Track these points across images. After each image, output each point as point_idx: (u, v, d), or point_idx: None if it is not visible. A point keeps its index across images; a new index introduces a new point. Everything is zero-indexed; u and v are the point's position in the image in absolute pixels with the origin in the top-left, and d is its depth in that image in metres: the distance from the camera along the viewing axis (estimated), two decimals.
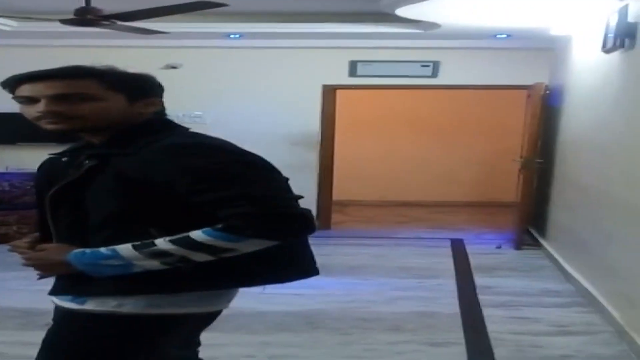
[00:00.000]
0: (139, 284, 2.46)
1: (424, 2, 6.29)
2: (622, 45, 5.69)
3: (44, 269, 2.64)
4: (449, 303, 6.18)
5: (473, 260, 7.98)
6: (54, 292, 2.64)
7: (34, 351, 4.74)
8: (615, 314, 5.32)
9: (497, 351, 4.92)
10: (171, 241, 2.33)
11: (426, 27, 7.84)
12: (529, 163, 8.72)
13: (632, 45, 5.53)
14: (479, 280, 7.03)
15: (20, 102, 2.62)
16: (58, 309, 2.70)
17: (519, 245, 8.70)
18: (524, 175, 8.89)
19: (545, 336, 5.27)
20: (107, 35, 7.40)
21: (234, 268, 2.53)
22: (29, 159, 9.57)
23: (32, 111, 2.56)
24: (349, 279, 7.02)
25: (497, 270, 7.55)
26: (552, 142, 8.64)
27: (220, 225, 2.30)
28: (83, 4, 6.16)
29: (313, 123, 9.65)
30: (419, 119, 12.24)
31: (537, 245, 8.70)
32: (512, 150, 9.63)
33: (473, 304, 6.18)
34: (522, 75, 9.09)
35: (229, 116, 9.25)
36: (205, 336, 3.04)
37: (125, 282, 2.44)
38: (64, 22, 6.33)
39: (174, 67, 9.38)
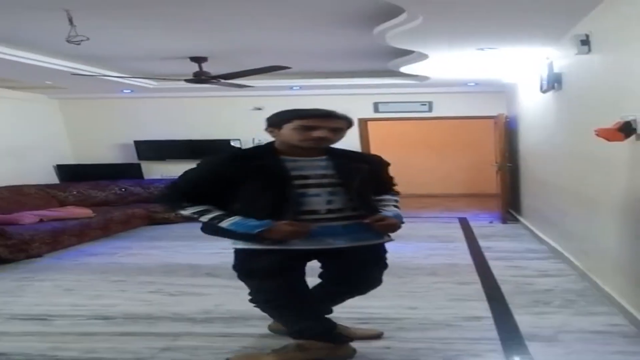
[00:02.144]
0: None
1: (417, 64, 6.61)
2: (553, 87, 5.84)
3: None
4: (465, 257, 6.23)
5: (475, 230, 8.02)
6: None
7: (202, 289, 4.89)
8: (577, 263, 5.34)
9: (503, 287, 4.96)
10: None
11: (421, 79, 8.23)
12: (502, 166, 8.86)
13: (559, 88, 5.70)
14: (482, 243, 7.05)
15: (299, 128, 2.98)
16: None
17: (504, 220, 8.73)
18: (500, 174, 8.99)
19: (533, 277, 5.29)
20: (212, 89, 7.84)
21: None
22: (172, 169, 9.91)
23: (308, 135, 2.97)
24: (397, 243, 6.98)
25: (493, 236, 7.57)
26: (516, 152, 8.74)
27: None
28: (197, 69, 6.56)
29: (355, 142, 9.85)
30: (423, 139, 12.51)
31: (516, 220, 8.68)
32: (487, 159, 9.89)
33: (481, 258, 6.20)
34: (489, 109, 9.41)
35: None
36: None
37: None
38: (187, 81, 6.68)
39: (259, 109, 9.59)
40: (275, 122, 3.08)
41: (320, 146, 3.09)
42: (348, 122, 3.19)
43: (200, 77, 6.61)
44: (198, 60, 6.53)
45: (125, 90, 9.25)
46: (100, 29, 5.16)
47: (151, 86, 8.75)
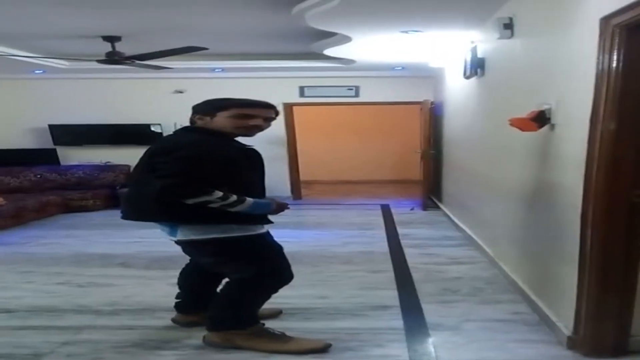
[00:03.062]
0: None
1: (341, 46, 6.49)
2: (476, 73, 5.81)
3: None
4: (382, 245, 6.26)
5: (396, 218, 8.07)
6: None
7: (113, 280, 4.85)
8: (488, 250, 5.45)
9: (414, 275, 5.03)
10: None
11: (346, 62, 8.07)
12: (426, 153, 8.88)
13: (482, 73, 5.66)
14: (400, 230, 7.12)
15: (236, 116, 3.16)
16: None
17: (425, 207, 8.79)
18: (423, 161, 9.00)
19: (445, 265, 5.37)
20: (131, 70, 7.58)
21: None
22: (91, 155, 9.69)
23: (244, 122, 3.19)
24: (315, 231, 7.09)
25: (412, 223, 7.62)
26: (440, 138, 8.73)
27: None
28: (110, 49, 6.34)
29: (280, 128, 9.77)
30: (350, 124, 12.35)
31: (437, 207, 8.76)
32: (415, 145, 9.80)
33: (397, 245, 6.25)
34: (415, 94, 9.41)
35: None
36: None
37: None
38: (100, 61, 6.43)
39: (180, 92, 9.52)
40: (208, 109, 3.20)
41: (252, 134, 3.27)
42: (277, 112, 3.39)
43: (113, 58, 6.32)
44: (111, 39, 6.25)
45: (36, 71, 8.82)
46: (1, 5, 4.91)
47: (63, 67, 8.38)
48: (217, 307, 3.49)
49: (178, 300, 3.87)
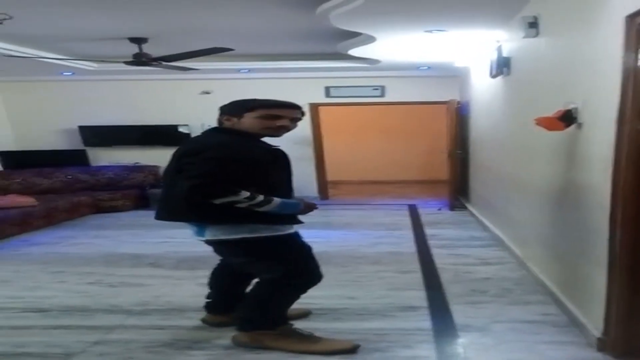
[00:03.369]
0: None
1: (365, 46, 6.48)
2: (502, 72, 5.78)
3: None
4: (409, 246, 6.25)
5: (423, 218, 8.06)
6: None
7: (143, 280, 4.93)
8: (517, 250, 5.42)
9: (443, 276, 5.03)
10: None
11: (371, 62, 8.06)
12: (453, 153, 8.82)
13: (508, 72, 5.64)
14: (428, 230, 7.11)
15: (263, 117, 3.19)
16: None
17: (452, 207, 8.78)
18: (450, 161, 8.95)
19: (473, 266, 5.36)
20: (158, 72, 7.60)
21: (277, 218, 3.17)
22: (120, 156, 9.79)
23: (271, 123, 3.21)
24: (343, 231, 7.12)
25: (439, 224, 7.61)
26: (466, 139, 8.69)
27: None
28: (137, 51, 6.42)
29: (306, 128, 9.80)
30: (376, 124, 12.34)
31: (464, 207, 8.73)
32: (442, 145, 9.75)
33: (425, 246, 6.24)
34: (441, 94, 9.37)
35: None
36: None
37: None
38: (127, 63, 6.50)
39: (207, 93, 9.60)
40: (235, 110, 3.24)
41: (279, 135, 3.29)
42: (303, 113, 3.42)
43: (140, 59, 6.39)
44: (138, 41, 6.32)
45: (65, 73, 8.98)
46: (28, 7, 4.95)
47: (91, 68, 8.48)
48: (246, 308, 3.53)
49: (208, 300, 3.92)
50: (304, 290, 3.49)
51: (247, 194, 2.97)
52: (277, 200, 3.09)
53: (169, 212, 3.26)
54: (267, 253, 3.28)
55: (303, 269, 3.42)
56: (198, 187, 2.90)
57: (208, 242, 3.33)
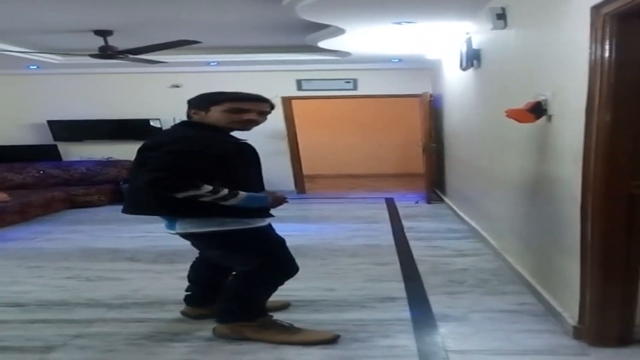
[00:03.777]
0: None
1: (335, 38, 6.49)
2: (472, 65, 5.82)
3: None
4: (387, 238, 6.30)
5: (400, 211, 8.13)
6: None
7: (121, 274, 4.91)
8: (493, 242, 5.48)
9: (420, 267, 5.07)
10: None
11: (342, 54, 8.09)
12: (428, 146, 8.87)
13: (479, 65, 5.69)
14: (405, 223, 7.16)
15: (230, 110, 3.18)
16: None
17: (429, 200, 8.85)
18: (426, 154, 9.00)
19: (450, 257, 5.41)
20: (127, 65, 7.57)
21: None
22: (92, 150, 9.73)
23: (238, 117, 3.20)
24: (321, 224, 7.14)
25: (417, 217, 7.67)
26: (441, 131, 8.74)
27: None
28: (103, 44, 6.36)
29: (279, 122, 9.81)
30: (351, 117, 12.38)
31: (441, 200, 8.80)
32: (417, 138, 9.78)
33: (402, 238, 6.29)
34: (414, 87, 9.40)
35: None
36: None
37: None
38: (92, 56, 6.45)
39: (177, 86, 9.58)
40: (202, 104, 3.23)
41: (248, 129, 3.28)
42: (272, 106, 3.40)
43: (106, 52, 6.32)
44: (103, 33, 6.26)
45: (30, 67, 8.90)
46: None
47: (56, 62, 8.41)
48: (224, 300, 3.54)
49: (188, 293, 3.93)
50: (280, 282, 3.52)
51: (210, 187, 2.95)
52: (242, 194, 3.07)
53: (134, 206, 3.27)
54: (240, 246, 3.29)
55: (278, 261, 3.44)
56: (157, 180, 2.88)
57: (181, 235, 3.33)
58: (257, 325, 3.49)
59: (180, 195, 2.92)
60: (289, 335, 3.50)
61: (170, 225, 3.27)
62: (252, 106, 3.25)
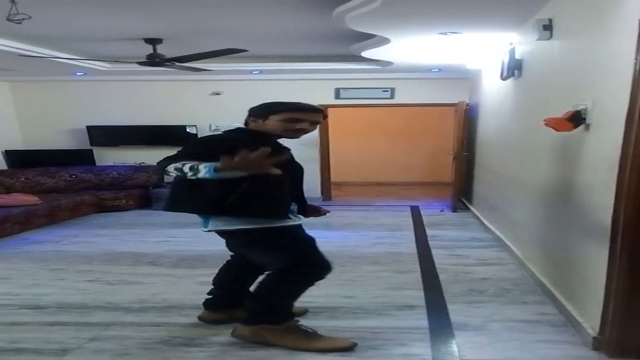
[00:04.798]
0: None
1: (379, 48, 6.48)
2: (513, 75, 5.76)
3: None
4: (409, 246, 6.24)
5: (425, 219, 8.05)
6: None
7: (142, 278, 4.93)
8: (517, 252, 5.41)
9: (441, 276, 5.03)
10: None
11: (384, 64, 8.11)
12: (458, 155, 8.84)
13: (519, 75, 5.62)
14: (429, 231, 7.10)
15: (286, 120, 3.31)
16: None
17: (455, 209, 8.79)
18: (455, 163, 8.98)
19: (473, 266, 5.36)
20: (170, 72, 7.66)
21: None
22: (126, 156, 9.83)
23: (292, 126, 3.32)
24: (344, 232, 7.09)
25: (441, 225, 7.61)
26: (473, 140, 8.68)
27: None
28: (151, 51, 6.44)
29: (314, 130, 9.69)
30: (384, 126, 12.29)
31: (467, 209, 8.75)
32: (447, 146, 9.71)
33: (425, 246, 6.24)
34: (450, 96, 9.33)
35: None
36: None
37: None
38: (140, 63, 6.53)
39: (217, 94, 9.64)
40: (262, 112, 3.37)
41: (297, 137, 3.40)
42: (325, 116, 3.60)
43: (154, 60, 6.41)
44: (152, 42, 6.37)
45: (78, 73, 9.06)
46: (47, 7, 5.00)
47: (104, 69, 8.55)
48: (254, 299, 3.54)
49: (209, 296, 3.93)
50: (311, 281, 3.48)
51: (181, 163, 2.85)
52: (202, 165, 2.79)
53: (170, 204, 3.32)
54: (271, 243, 3.32)
55: (312, 258, 3.42)
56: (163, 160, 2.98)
57: (217, 233, 3.38)
58: (281, 329, 3.47)
59: (171, 168, 2.89)
60: (309, 342, 3.47)
61: (205, 224, 3.33)
62: (308, 116, 3.37)
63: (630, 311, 3.17)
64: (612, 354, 3.23)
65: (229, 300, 3.83)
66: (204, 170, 2.73)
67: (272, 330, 3.46)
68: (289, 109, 3.33)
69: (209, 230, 3.33)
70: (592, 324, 3.43)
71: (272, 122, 3.30)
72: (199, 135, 9.48)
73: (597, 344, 3.32)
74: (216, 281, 3.94)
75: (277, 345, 3.44)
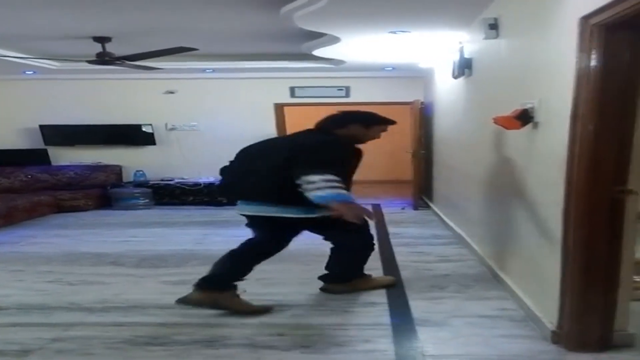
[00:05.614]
0: None
1: (330, 47, 6.55)
2: (463, 73, 5.86)
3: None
4: None
5: (386, 217, 8.10)
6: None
7: (104, 278, 4.88)
8: (477, 248, 5.50)
9: (403, 273, 5.08)
10: None
11: (336, 62, 8.16)
12: (417, 153, 8.95)
13: (470, 73, 5.72)
14: (391, 229, 7.16)
15: (380, 130, 4.22)
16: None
17: (416, 207, 8.87)
18: (414, 161, 9.07)
19: (433, 263, 5.42)
20: (122, 71, 7.61)
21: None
22: (83, 155, 9.71)
23: (377, 135, 4.23)
24: (307, 231, 7.12)
25: (402, 223, 7.67)
26: (430, 138, 8.77)
27: None
28: (101, 50, 6.38)
29: (270, 127, 9.81)
30: None
31: (427, 207, 8.83)
32: (406, 145, 9.77)
33: (387, 244, 6.30)
34: (405, 95, 9.47)
35: (214, 124, 9.71)
36: None
37: None
38: (90, 62, 6.46)
39: (171, 92, 9.57)
40: (343, 122, 4.10)
41: (364, 142, 4.15)
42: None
43: (103, 58, 6.33)
44: (101, 40, 6.29)
45: (27, 72, 8.91)
46: None
47: (54, 67, 8.43)
48: (338, 266, 4.59)
49: (205, 275, 3.97)
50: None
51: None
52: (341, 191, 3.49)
53: (249, 194, 3.84)
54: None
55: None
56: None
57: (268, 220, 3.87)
58: (360, 280, 4.62)
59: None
60: (365, 282, 4.64)
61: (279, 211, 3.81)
62: (383, 126, 4.20)
63: (586, 306, 3.24)
64: (571, 348, 3.31)
65: (223, 279, 3.98)
66: (324, 194, 3.41)
67: (359, 281, 4.63)
68: (383, 122, 4.14)
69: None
70: (550, 319, 3.50)
71: (350, 130, 4.01)
72: (155, 135, 9.54)
73: (556, 338, 3.40)
74: (218, 261, 4.03)
75: (362, 289, 4.52)
